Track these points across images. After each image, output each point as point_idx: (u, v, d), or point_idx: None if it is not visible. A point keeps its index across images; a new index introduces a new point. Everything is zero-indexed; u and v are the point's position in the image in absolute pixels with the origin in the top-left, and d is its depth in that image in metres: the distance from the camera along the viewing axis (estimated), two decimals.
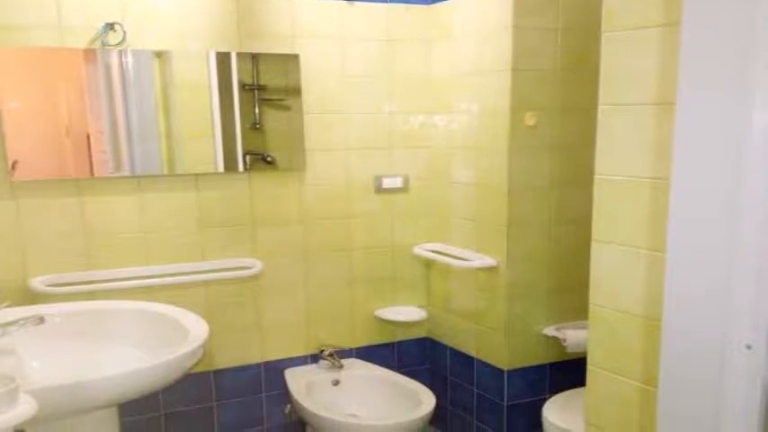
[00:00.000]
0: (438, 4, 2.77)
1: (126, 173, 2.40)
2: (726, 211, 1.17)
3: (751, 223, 1.15)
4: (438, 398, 2.53)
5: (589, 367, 1.67)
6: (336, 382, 2.71)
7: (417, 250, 2.91)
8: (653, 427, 1.40)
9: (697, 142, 1.22)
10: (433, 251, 2.87)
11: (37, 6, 2.21)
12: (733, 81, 1.14)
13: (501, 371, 2.60)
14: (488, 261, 2.56)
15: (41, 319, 1.71)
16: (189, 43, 2.43)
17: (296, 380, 2.68)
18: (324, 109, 2.69)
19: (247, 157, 2.57)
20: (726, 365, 1.21)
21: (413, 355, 3.05)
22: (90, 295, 2.31)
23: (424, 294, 3.03)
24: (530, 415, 2.61)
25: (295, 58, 2.59)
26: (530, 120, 2.43)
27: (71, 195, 2.34)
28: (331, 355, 2.78)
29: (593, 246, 1.61)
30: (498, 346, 2.60)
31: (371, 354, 2.93)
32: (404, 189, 2.90)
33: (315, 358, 2.83)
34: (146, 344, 1.90)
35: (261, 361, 2.74)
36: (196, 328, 1.85)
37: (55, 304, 2.08)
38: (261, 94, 2.55)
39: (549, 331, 2.59)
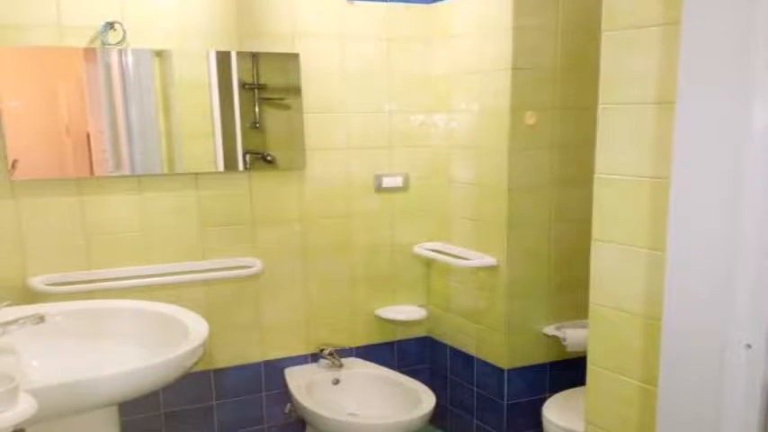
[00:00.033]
0: (438, 4, 2.77)
1: (126, 172, 2.40)
2: (726, 210, 1.17)
3: (751, 222, 1.15)
4: (438, 397, 2.53)
5: (589, 366, 1.68)
6: (336, 382, 2.72)
7: (417, 249, 2.91)
8: (653, 426, 1.40)
9: (697, 141, 1.22)
10: (433, 250, 2.87)
11: (37, 5, 2.21)
12: (733, 80, 1.14)
13: (501, 370, 2.60)
14: (488, 260, 2.56)
15: (41, 319, 1.72)
16: (189, 42, 2.43)
17: (296, 379, 2.69)
18: (324, 108, 2.69)
19: (247, 157, 2.57)
20: (726, 365, 1.21)
21: (413, 355, 3.05)
22: (90, 294, 2.31)
23: (424, 293, 3.03)
24: (530, 414, 2.62)
25: (295, 57, 2.59)
26: (530, 119, 2.43)
27: (71, 194, 2.34)
28: (331, 354, 2.78)
29: (593, 245, 1.61)
30: (498, 345, 2.60)
31: (371, 353, 2.93)
32: (404, 188, 2.90)
33: (315, 357, 2.83)
34: (146, 343, 1.90)
35: (261, 360, 2.74)
36: (196, 327, 1.85)
37: (55, 303, 2.08)
38: (261, 93, 2.55)
39: (549, 330, 2.59)
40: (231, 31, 2.49)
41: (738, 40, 1.12)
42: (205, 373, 2.63)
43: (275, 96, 2.59)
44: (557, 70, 2.45)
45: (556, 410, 2.35)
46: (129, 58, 2.34)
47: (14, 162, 2.22)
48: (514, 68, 2.38)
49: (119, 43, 2.31)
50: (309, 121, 2.66)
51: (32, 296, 2.25)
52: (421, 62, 2.83)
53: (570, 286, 2.59)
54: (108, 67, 2.32)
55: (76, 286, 2.32)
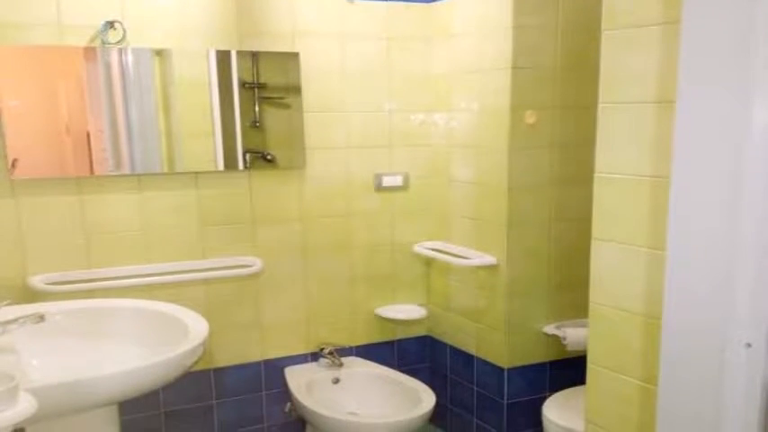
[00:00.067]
0: (438, 3, 2.77)
1: (126, 171, 2.40)
2: (726, 208, 1.17)
3: (751, 221, 1.15)
4: (438, 396, 2.53)
5: (589, 365, 1.68)
6: (336, 381, 2.72)
7: (417, 248, 2.91)
8: (653, 426, 1.40)
9: (697, 140, 1.22)
10: (433, 249, 2.87)
11: (37, 4, 2.21)
12: (733, 79, 1.14)
13: (501, 369, 2.60)
14: (488, 259, 2.56)
15: (41, 318, 1.72)
16: (189, 41, 2.43)
17: (296, 378, 2.69)
18: (324, 107, 2.69)
19: (247, 156, 2.57)
20: (726, 364, 1.21)
21: (413, 354, 3.05)
22: (90, 293, 2.31)
23: (424, 292, 3.03)
24: (530, 413, 2.62)
25: (295, 56, 2.59)
26: (530, 118, 2.43)
27: (71, 193, 2.34)
28: (331, 353, 2.78)
29: (593, 244, 1.61)
30: (498, 344, 2.60)
31: (371, 352, 2.93)
32: (404, 187, 2.90)
33: (315, 356, 2.83)
34: (146, 342, 1.90)
35: (261, 359, 2.74)
36: (196, 327, 1.85)
37: (55, 302, 2.08)
38: (261, 92, 2.55)
39: (549, 329, 2.59)
40: (231, 31, 2.49)
41: (738, 40, 1.12)
42: (205, 373, 2.63)
43: (275, 95, 2.58)
44: (557, 69, 2.45)
45: (556, 409, 2.35)
46: (129, 58, 2.34)
47: (14, 161, 2.22)
48: (514, 67, 2.38)
49: (119, 42, 2.31)
50: (309, 120, 2.66)
51: (32, 295, 2.26)
52: (421, 61, 2.83)
53: (570, 285, 2.59)
54: (108, 67, 2.32)
55: (76, 285, 2.32)
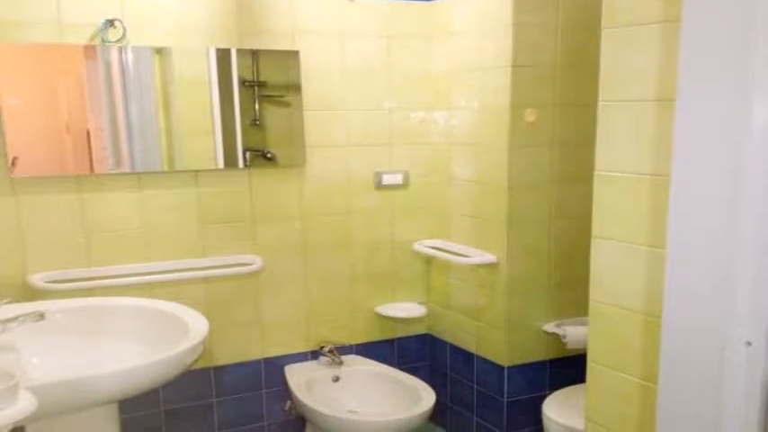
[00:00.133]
0: (438, 1, 2.76)
1: (126, 169, 2.40)
2: (726, 207, 1.17)
3: (751, 219, 1.15)
4: (438, 394, 2.54)
5: (589, 364, 1.68)
6: (336, 379, 2.72)
7: (417, 247, 2.91)
8: (653, 424, 1.40)
9: (697, 138, 1.22)
10: (433, 247, 2.87)
11: (37, 3, 2.21)
12: (733, 77, 1.14)
13: (501, 367, 2.60)
14: (488, 257, 2.56)
15: (41, 316, 1.72)
16: (189, 40, 2.42)
17: (296, 376, 2.69)
18: (324, 105, 2.69)
19: (247, 154, 2.57)
20: (726, 362, 1.22)
21: (413, 352, 3.05)
22: (90, 292, 2.31)
23: (425, 291, 3.03)
24: (530, 411, 2.62)
25: (295, 54, 2.59)
26: (530, 116, 2.43)
27: (71, 192, 2.34)
28: (331, 351, 2.79)
29: (593, 242, 1.61)
30: (498, 342, 2.60)
31: (371, 350, 2.94)
32: (404, 185, 2.90)
33: (315, 354, 2.83)
34: (146, 340, 1.90)
35: (261, 357, 2.75)
36: (196, 325, 1.86)
37: (55, 300, 2.08)
38: (261, 90, 2.55)
39: (550, 327, 2.59)
40: (231, 29, 2.49)
41: (738, 38, 1.12)
42: (205, 371, 2.63)
43: (275, 93, 2.58)
44: (557, 67, 2.45)
45: (556, 408, 2.35)
46: (129, 56, 2.34)
47: (14, 159, 2.22)
48: (514, 65, 2.38)
49: (119, 41, 2.31)
50: (309, 118, 2.66)
51: (32, 293, 2.26)
52: (421, 59, 2.83)
53: (570, 283, 2.59)
54: (108, 65, 2.32)
55: (76, 283, 2.32)
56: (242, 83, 2.51)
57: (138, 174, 2.42)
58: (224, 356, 2.67)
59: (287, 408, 2.76)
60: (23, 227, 2.29)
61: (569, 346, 2.53)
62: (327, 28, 2.65)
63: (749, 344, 1.18)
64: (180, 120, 2.45)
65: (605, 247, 1.58)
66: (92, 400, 1.62)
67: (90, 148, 2.32)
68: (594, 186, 1.59)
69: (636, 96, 1.46)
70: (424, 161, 2.90)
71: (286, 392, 2.72)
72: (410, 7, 2.78)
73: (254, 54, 2.52)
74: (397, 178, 2.87)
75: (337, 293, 2.85)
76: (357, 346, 2.92)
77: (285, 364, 2.78)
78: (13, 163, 2.22)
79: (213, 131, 2.50)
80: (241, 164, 2.56)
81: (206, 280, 2.57)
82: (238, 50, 2.49)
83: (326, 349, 2.79)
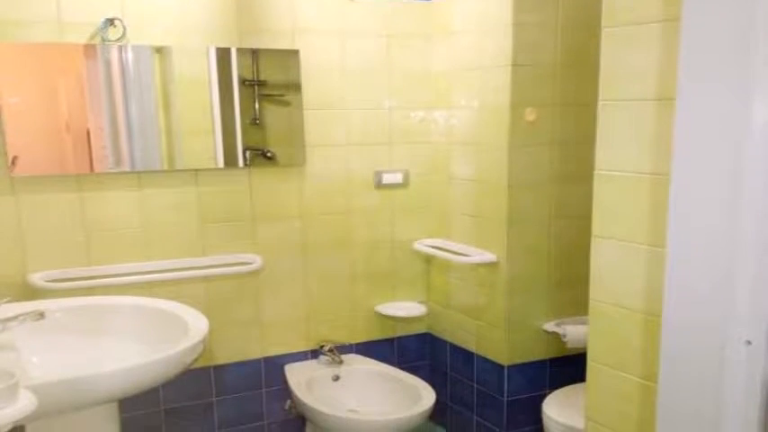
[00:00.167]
0: (438, 0, 2.76)
1: (126, 168, 2.40)
2: (726, 206, 1.17)
3: (751, 219, 1.14)
4: (438, 393, 2.54)
5: (589, 363, 1.68)
6: (336, 378, 2.72)
7: (417, 246, 2.91)
8: (653, 423, 1.40)
9: (697, 138, 1.22)
10: (433, 247, 2.87)
11: (37, 1, 2.21)
12: (733, 77, 1.14)
13: (501, 366, 2.60)
14: (488, 257, 2.56)
15: (41, 315, 1.72)
16: (189, 39, 2.42)
17: (296, 375, 2.69)
18: (324, 104, 2.69)
19: (247, 153, 2.57)
20: (726, 361, 1.21)
21: (413, 351, 3.05)
22: (90, 291, 2.31)
23: (425, 290, 3.03)
24: (530, 410, 2.62)
25: (295, 53, 2.59)
26: (530, 115, 2.43)
27: (71, 191, 2.34)
28: (331, 350, 2.79)
29: (593, 241, 1.61)
30: (498, 341, 2.60)
31: (371, 349, 2.94)
32: (404, 184, 2.90)
33: (315, 354, 2.83)
34: (146, 339, 1.90)
35: (261, 356, 2.75)
36: (196, 324, 1.85)
37: (55, 300, 2.08)
38: (261, 89, 2.55)
39: (549, 327, 2.59)
40: (231, 28, 2.49)
41: (738, 37, 1.12)
42: (205, 370, 2.63)
43: (275, 93, 2.58)
44: (557, 67, 2.45)
45: (556, 407, 2.35)
46: (129, 55, 2.34)
47: (14, 158, 2.22)
48: (514, 65, 2.38)
49: (119, 40, 2.31)
50: (309, 117, 2.66)
51: (32, 292, 2.26)
52: (421, 59, 2.83)
53: (570, 283, 2.59)
54: (108, 64, 2.32)
55: (76, 283, 2.32)
56: (242, 82, 2.51)
57: (138, 173, 2.42)
58: (224, 355, 2.67)
59: (287, 407, 2.76)
60: (23, 226, 2.29)
61: (569, 346, 2.53)
62: (327, 27, 2.65)
63: (749, 343, 1.18)
64: (180, 119, 2.45)
65: (605, 246, 1.58)
66: (92, 399, 1.62)
67: (90, 147, 2.32)
68: (594, 185, 1.59)
69: (636, 95, 1.46)
70: (424, 160, 2.90)
71: (286, 391, 2.72)
72: (410, 6, 2.78)
73: (254, 53, 2.52)
74: (397, 177, 2.87)
75: (337, 292, 2.85)
76: (357, 345, 2.92)
77: (285, 363, 2.78)
78: (13, 162, 2.22)
79: (213, 130, 2.50)
80: (241, 163, 2.56)
81: (206, 279, 2.57)
82: (238, 50, 2.49)
83: (326, 348, 2.79)
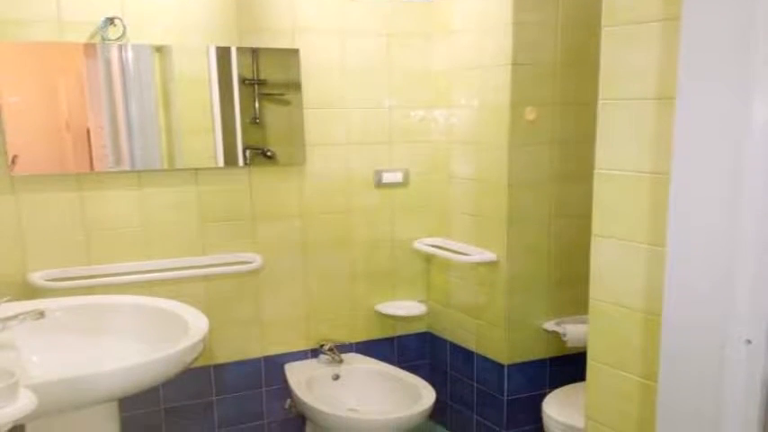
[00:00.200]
0: None
1: (126, 167, 2.40)
2: (726, 205, 1.17)
3: (751, 218, 1.14)
4: (438, 392, 2.54)
5: (589, 362, 1.68)
6: (336, 377, 2.72)
7: (417, 245, 2.91)
8: (653, 422, 1.40)
9: (697, 137, 1.22)
10: (433, 246, 2.87)
11: (37, 1, 2.21)
12: (733, 76, 1.14)
13: (501, 365, 2.60)
14: (488, 256, 2.56)
15: (41, 314, 1.72)
16: (189, 38, 2.42)
17: (296, 374, 2.69)
18: (324, 103, 2.69)
19: (247, 152, 2.57)
20: (725, 360, 1.22)
21: (413, 350, 3.05)
22: (90, 290, 2.31)
23: (424, 289, 3.03)
24: (530, 409, 2.62)
25: (295, 52, 2.59)
26: (530, 114, 2.43)
27: (71, 190, 2.34)
28: (331, 349, 2.79)
29: (593, 240, 1.61)
30: (498, 340, 2.60)
31: (371, 348, 2.94)
32: (404, 183, 2.90)
33: (315, 353, 2.83)
34: (146, 338, 1.90)
35: (261, 355, 2.75)
36: (196, 323, 1.85)
37: (55, 299, 2.08)
38: (261, 88, 2.55)
39: (549, 326, 2.59)
40: (231, 27, 2.49)
41: (738, 36, 1.12)
42: (205, 369, 2.63)
43: (275, 92, 2.58)
44: (557, 66, 2.45)
45: (556, 406, 2.36)
46: (129, 54, 2.34)
47: (14, 157, 2.22)
48: (514, 64, 2.38)
49: (119, 39, 2.31)
50: (309, 116, 2.66)
51: (32, 292, 2.26)
52: (421, 58, 2.83)
53: (570, 282, 2.59)
54: (108, 63, 2.32)
55: (76, 282, 2.32)
56: (242, 81, 2.51)
57: (138, 172, 2.42)
58: (224, 354, 2.67)
59: (287, 406, 2.76)
60: (23, 225, 2.29)
61: (569, 345, 2.53)
62: (327, 26, 2.65)
63: (749, 342, 1.18)
64: (180, 118, 2.45)
65: (605, 245, 1.58)
66: (92, 398, 1.62)
67: (90, 146, 2.32)
68: (594, 185, 1.59)
69: (636, 95, 1.46)
70: (424, 159, 2.90)
71: (286, 391, 2.72)
72: (410, 5, 2.77)
73: (254, 52, 2.52)
74: (397, 176, 2.87)
75: (337, 292, 2.85)
76: (357, 344, 2.92)
77: (285, 363, 2.78)
78: (13, 161, 2.22)
79: (213, 130, 2.50)
80: (241, 162, 2.56)
81: (206, 278, 2.57)
82: (238, 49, 2.49)
83: (326, 347, 2.79)
